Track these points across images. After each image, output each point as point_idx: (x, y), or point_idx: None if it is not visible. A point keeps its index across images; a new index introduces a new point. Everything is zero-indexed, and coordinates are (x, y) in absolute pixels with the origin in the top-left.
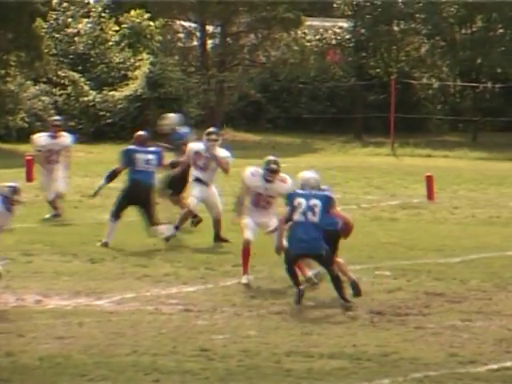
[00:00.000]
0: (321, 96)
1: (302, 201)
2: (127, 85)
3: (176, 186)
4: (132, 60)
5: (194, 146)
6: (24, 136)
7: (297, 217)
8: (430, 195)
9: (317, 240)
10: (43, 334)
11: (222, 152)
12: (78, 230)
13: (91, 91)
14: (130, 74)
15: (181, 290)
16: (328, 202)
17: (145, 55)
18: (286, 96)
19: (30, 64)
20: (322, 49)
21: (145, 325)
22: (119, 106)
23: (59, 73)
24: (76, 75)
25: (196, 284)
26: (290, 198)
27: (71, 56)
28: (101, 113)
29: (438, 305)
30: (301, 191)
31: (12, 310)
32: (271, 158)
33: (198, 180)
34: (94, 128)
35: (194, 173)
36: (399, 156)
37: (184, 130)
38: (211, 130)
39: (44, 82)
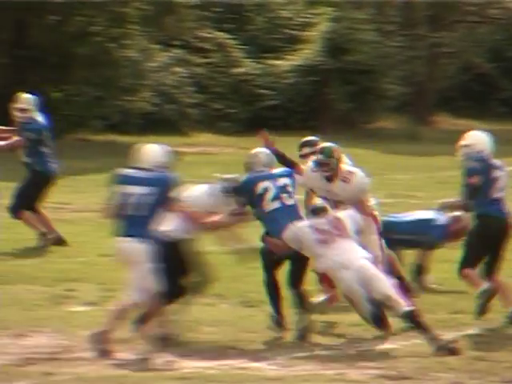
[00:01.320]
0: None
1: (268, 184)
2: (298, 50)
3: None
4: (305, 15)
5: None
6: (149, 124)
7: (270, 205)
8: None
9: None
10: None
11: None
12: (225, 260)
13: (246, 60)
14: (301, 34)
15: (375, 346)
16: (294, 178)
17: (324, 8)
18: None
19: (157, 20)
20: None
21: None
22: (286, 82)
23: (200, 33)
24: (224, 36)
25: (397, 338)
26: (249, 183)
27: (217, 9)
28: (260, 91)
29: None
30: (258, 174)
31: (132, 377)
32: (324, 145)
33: None
34: (249, 113)
35: None
36: None
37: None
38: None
39: (178, 47)
